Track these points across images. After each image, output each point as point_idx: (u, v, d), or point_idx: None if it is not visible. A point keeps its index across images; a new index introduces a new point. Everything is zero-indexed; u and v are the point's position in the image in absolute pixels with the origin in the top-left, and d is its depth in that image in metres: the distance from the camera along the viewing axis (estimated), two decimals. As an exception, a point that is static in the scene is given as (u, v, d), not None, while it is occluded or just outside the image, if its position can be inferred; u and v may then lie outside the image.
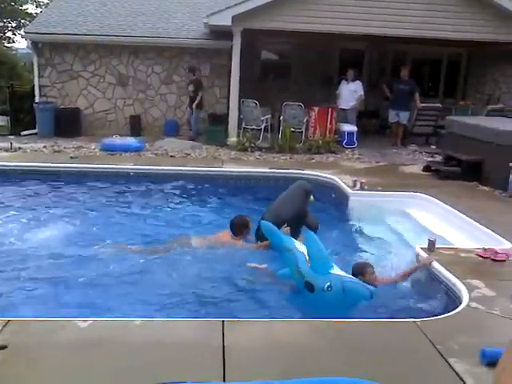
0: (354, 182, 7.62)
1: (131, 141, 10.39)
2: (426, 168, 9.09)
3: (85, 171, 8.32)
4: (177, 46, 11.98)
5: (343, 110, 11.73)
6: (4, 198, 7.37)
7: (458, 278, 4.26)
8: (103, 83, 12.19)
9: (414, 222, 6.66)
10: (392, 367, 3.03)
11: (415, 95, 11.64)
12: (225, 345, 3.11)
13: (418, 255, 4.95)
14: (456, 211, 6.48)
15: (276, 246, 5.24)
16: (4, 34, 26.36)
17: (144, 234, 6.17)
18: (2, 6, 24.73)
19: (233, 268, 5.07)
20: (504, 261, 4.76)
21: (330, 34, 10.93)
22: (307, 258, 4.48)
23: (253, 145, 10.55)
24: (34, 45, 11.81)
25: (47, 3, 22.78)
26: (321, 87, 13.37)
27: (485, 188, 7.99)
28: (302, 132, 11.22)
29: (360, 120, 12.25)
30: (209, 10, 11.42)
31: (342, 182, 7.82)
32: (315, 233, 5.49)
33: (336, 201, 7.59)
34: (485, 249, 4.96)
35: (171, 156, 9.74)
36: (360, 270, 4.58)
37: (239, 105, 11.17)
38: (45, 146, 10.17)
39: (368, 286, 4.21)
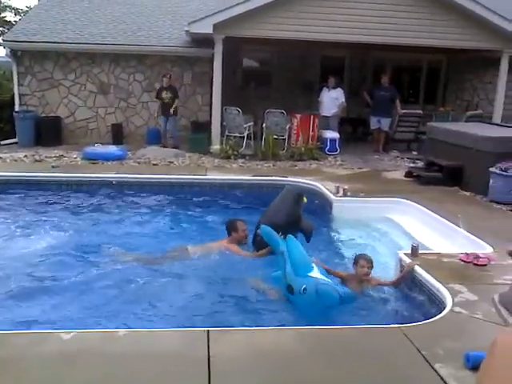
0: (337, 189, 7.66)
1: (113, 149, 10.31)
2: (408, 174, 9.18)
3: (66, 180, 8.23)
4: (158, 53, 11.95)
5: (325, 117, 11.81)
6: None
7: (441, 282, 4.30)
8: (84, 91, 12.09)
9: (396, 228, 6.72)
10: (377, 373, 3.04)
11: (396, 102, 11.78)
12: (210, 355, 3.08)
13: (401, 260, 4.98)
14: (438, 216, 6.55)
15: (274, 249, 5.28)
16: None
17: (128, 242, 6.11)
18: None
19: (228, 276, 5.08)
20: (485, 265, 4.82)
21: (311, 41, 11.01)
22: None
23: (236, 152, 10.55)
24: (13, 53, 11.67)
25: (26, 11, 22.56)
26: (302, 94, 13.46)
27: (466, 193, 8.09)
28: (284, 139, 11.25)
29: (348, 127, 12.42)
30: (190, 17, 11.42)
31: (325, 188, 7.85)
32: (310, 236, 5.71)
33: (319, 207, 7.62)
34: (467, 253, 5.02)
35: (154, 164, 9.69)
36: (355, 260, 4.81)
37: (222, 112, 11.17)
38: (25, 156, 10.04)
39: (341, 290, 4.26)
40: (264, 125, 11.32)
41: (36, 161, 9.72)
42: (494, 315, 3.59)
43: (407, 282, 4.70)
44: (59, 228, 6.58)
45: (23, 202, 7.65)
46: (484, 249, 5.27)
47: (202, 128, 11.71)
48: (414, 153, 11.57)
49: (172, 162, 9.87)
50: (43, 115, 11.91)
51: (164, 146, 11.24)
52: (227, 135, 11.33)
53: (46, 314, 4.23)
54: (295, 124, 11.37)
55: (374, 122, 11.87)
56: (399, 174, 9.36)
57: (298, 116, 11.35)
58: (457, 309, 3.87)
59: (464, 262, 4.90)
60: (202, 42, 11.34)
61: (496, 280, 4.51)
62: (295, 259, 4.52)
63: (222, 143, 11.00)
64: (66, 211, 7.37)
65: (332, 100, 11.75)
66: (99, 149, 10.24)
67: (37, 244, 5.94)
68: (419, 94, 15.09)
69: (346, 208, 7.15)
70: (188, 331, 3.57)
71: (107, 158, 9.77)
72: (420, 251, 5.05)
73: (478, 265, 4.82)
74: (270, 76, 14.15)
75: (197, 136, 11.37)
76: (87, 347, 3.20)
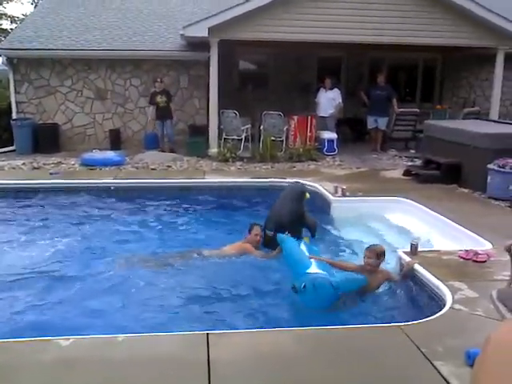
0: (336, 189, 7.66)
1: (111, 155, 10.31)
2: (406, 172, 9.18)
3: (65, 187, 8.22)
4: (154, 58, 11.96)
5: (322, 117, 11.81)
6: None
7: (440, 280, 4.30)
8: (81, 98, 12.09)
9: (395, 226, 6.71)
10: (377, 372, 3.03)
11: (393, 101, 11.78)
12: (210, 358, 3.08)
13: (400, 259, 4.98)
14: (437, 214, 6.55)
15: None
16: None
17: (127, 246, 6.12)
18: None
19: (239, 279, 5.11)
20: (485, 261, 4.81)
21: (307, 42, 11.02)
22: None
23: (234, 155, 10.55)
24: (9, 61, 11.68)
25: (22, 19, 22.59)
26: (299, 95, 13.46)
27: (464, 190, 8.09)
28: (282, 141, 11.26)
29: (345, 127, 12.45)
30: (185, 21, 11.42)
31: (324, 188, 7.85)
32: (315, 230, 5.96)
33: (318, 207, 7.61)
34: (466, 250, 5.01)
35: (152, 169, 9.68)
36: (366, 249, 4.78)
37: (219, 115, 11.17)
38: (24, 163, 10.03)
39: (333, 279, 4.35)
40: (261, 127, 11.32)
41: (34, 168, 9.71)
42: (494, 312, 3.58)
43: (407, 280, 4.70)
44: (59, 234, 6.55)
45: (22, 209, 7.64)
46: (483, 245, 5.27)
47: (199, 132, 11.71)
48: (412, 151, 11.57)
49: (170, 167, 9.87)
50: (41, 122, 11.91)
51: (162, 151, 11.24)
52: (225, 138, 11.33)
53: (45, 320, 4.22)
54: (293, 125, 11.37)
55: (371, 122, 11.88)
56: (397, 173, 9.36)
57: (296, 117, 11.35)
58: (457, 306, 3.87)
59: (463, 259, 4.89)
60: (198, 45, 11.34)
61: (496, 276, 4.50)
62: (292, 259, 4.66)
63: (219, 146, 11.00)
64: (65, 218, 7.35)
65: (329, 101, 11.76)
66: (97, 155, 10.24)
67: (37, 251, 5.93)
68: (416, 92, 15.09)
69: (345, 208, 7.15)
70: (187, 335, 3.56)
71: (105, 163, 9.77)
72: (419, 249, 5.05)
73: (477, 261, 4.82)
74: (266, 78, 14.15)
75: (194, 140, 11.37)
76: (86, 353, 3.19)
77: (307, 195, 6.20)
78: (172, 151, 11.16)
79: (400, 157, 11.14)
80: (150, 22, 13.42)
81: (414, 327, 3.56)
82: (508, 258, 3.30)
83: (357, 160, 10.74)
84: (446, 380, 2.88)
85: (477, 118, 11.02)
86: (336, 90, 11.88)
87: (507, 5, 12.50)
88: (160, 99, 11.20)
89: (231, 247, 5.82)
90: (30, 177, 8.73)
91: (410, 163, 10.21)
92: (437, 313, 3.82)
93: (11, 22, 26.31)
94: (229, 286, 4.91)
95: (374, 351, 3.29)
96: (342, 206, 7.20)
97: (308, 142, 11.13)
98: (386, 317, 4.11)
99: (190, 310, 4.46)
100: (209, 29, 10.18)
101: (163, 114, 11.26)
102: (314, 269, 4.53)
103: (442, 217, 6.42)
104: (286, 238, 5.36)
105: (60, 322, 4.19)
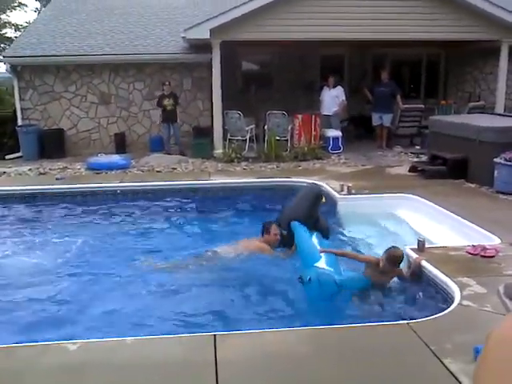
0: (341, 187, 7.63)
1: (117, 158, 10.35)
2: (412, 168, 9.13)
3: (71, 192, 8.25)
4: (157, 61, 11.99)
5: (326, 115, 11.79)
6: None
7: (448, 276, 4.27)
8: (85, 103, 12.14)
9: (402, 223, 6.68)
10: (386, 371, 3.01)
11: (397, 97, 11.73)
12: (217, 359, 3.07)
13: (407, 256, 4.94)
14: (444, 210, 6.51)
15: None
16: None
17: (137, 250, 6.13)
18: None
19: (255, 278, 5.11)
20: (493, 256, 4.77)
21: (309, 41, 11.00)
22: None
23: (239, 155, 10.55)
24: (13, 68, 11.75)
25: (26, 27, 22.72)
26: (303, 94, 13.44)
27: (471, 185, 8.03)
28: (287, 140, 11.24)
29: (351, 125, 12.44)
30: (187, 24, 11.43)
31: (330, 187, 7.82)
32: (328, 234, 5.90)
33: (324, 206, 7.58)
34: (474, 246, 4.97)
35: (158, 171, 9.71)
36: (385, 251, 4.65)
37: (223, 116, 11.17)
38: (30, 169, 10.09)
39: (337, 278, 4.39)
40: (266, 126, 11.31)
41: (40, 174, 9.77)
42: (503, 307, 3.55)
43: (416, 278, 4.67)
44: (68, 239, 6.58)
45: (30, 215, 7.68)
46: (491, 240, 5.23)
47: (204, 133, 11.72)
48: (418, 147, 11.51)
49: (175, 169, 9.89)
50: (46, 128, 11.98)
51: (167, 153, 11.25)
52: (229, 139, 11.34)
53: (53, 324, 4.23)
54: (297, 124, 11.35)
55: (375, 119, 11.84)
56: (403, 170, 9.31)
57: (300, 116, 11.33)
58: (465, 302, 3.84)
59: (471, 254, 4.85)
60: (200, 47, 11.35)
61: (504, 271, 4.47)
62: (302, 251, 4.78)
63: (224, 147, 11.00)
64: (72, 222, 7.39)
65: (332, 99, 11.73)
66: (102, 159, 10.28)
67: (45, 256, 5.96)
68: (420, 88, 15.01)
69: (351, 206, 7.12)
70: (194, 336, 3.55)
71: (111, 167, 9.80)
72: (426, 245, 5.02)
73: (485, 256, 4.78)
74: (270, 78, 14.13)
75: (199, 141, 11.38)
76: (94, 356, 3.20)
77: (323, 199, 6.18)
78: (182, 154, 11.16)
79: (405, 153, 11.09)
80: (151, 26, 13.46)
81: (422, 324, 3.53)
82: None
83: (362, 157, 10.70)
84: (455, 377, 2.86)
85: (482, 112, 10.94)
86: (339, 87, 11.85)
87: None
88: (167, 102, 11.25)
89: (247, 243, 5.77)
90: (37, 182, 8.77)
91: (415, 159, 10.15)
92: (445, 309, 3.79)
93: (15, 30, 26.50)
94: (245, 285, 4.95)
95: (381, 349, 3.26)
96: (348, 204, 7.17)
97: (313, 141, 11.11)
98: (394, 314, 4.09)
99: (203, 312, 4.44)
100: (210, 30, 10.19)
101: (170, 116, 11.31)
102: (322, 263, 4.59)
103: (449, 212, 6.37)
104: (298, 227, 5.38)
105: (67, 325, 4.20)
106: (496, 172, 7.51)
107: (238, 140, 11.27)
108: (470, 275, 4.33)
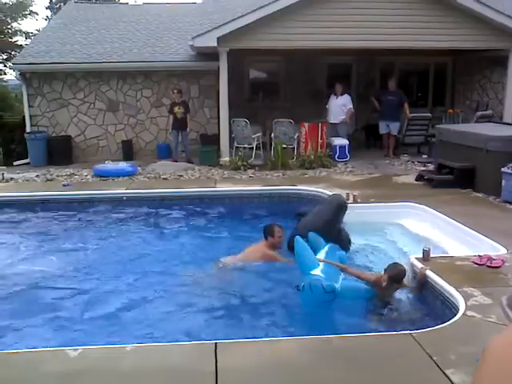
0: (347, 195, 7.59)
1: (124, 165, 10.38)
2: (419, 177, 9.08)
3: (78, 198, 8.28)
4: (164, 69, 12.06)
5: (333, 124, 11.78)
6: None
7: (453, 286, 4.22)
8: (93, 110, 12.23)
9: (408, 233, 6.63)
10: (388, 381, 2.97)
11: (404, 105, 11.70)
12: (218, 367, 3.05)
13: (412, 265, 4.90)
14: (450, 219, 6.45)
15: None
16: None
17: (147, 258, 6.13)
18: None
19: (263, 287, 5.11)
20: (499, 267, 4.72)
21: (316, 49, 11.01)
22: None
23: (245, 163, 10.55)
24: (23, 75, 11.88)
25: (36, 34, 22.96)
26: (311, 103, 13.43)
27: (478, 194, 7.97)
28: (293, 148, 11.24)
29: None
30: (194, 32, 11.50)
31: (335, 195, 7.78)
32: (348, 247, 5.77)
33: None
34: (480, 256, 4.92)
35: (164, 179, 9.72)
36: (387, 268, 4.62)
37: (230, 124, 11.20)
38: (37, 175, 10.15)
39: (326, 285, 4.35)
40: (272, 135, 11.32)
41: (47, 180, 9.82)
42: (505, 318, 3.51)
43: (422, 290, 4.61)
44: (73, 245, 6.62)
45: (37, 220, 7.72)
46: (498, 250, 5.18)
47: (210, 141, 11.75)
48: (425, 156, 11.46)
49: (182, 176, 9.90)
50: (54, 135, 12.07)
51: (175, 161, 11.27)
52: (236, 147, 11.35)
53: (54, 332, 4.23)
54: (304, 132, 11.35)
55: (382, 127, 11.82)
56: (410, 178, 9.27)
57: (306, 124, 11.32)
58: (470, 313, 3.79)
59: (477, 264, 4.80)
60: (208, 55, 11.41)
61: (511, 282, 4.42)
62: (300, 259, 4.76)
63: (231, 155, 11.01)
64: (78, 228, 7.42)
65: (339, 107, 11.72)
66: (110, 166, 10.31)
67: (49, 262, 5.99)
68: (427, 96, 14.97)
69: (357, 214, 7.05)
70: (196, 344, 3.54)
71: (118, 174, 9.84)
72: (432, 255, 4.97)
73: (491, 267, 4.73)
74: (277, 86, 14.16)
75: (206, 149, 11.40)
76: (95, 364, 3.18)
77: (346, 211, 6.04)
78: (189, 161, 11.17)
79: (412, 162, 11.04)
80: (159, 34, 13.56)
81: (425, 334, 3.49)
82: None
83: (369, 166, 10.67)
84: (457, 389, 2.82)
85: (490, 121, 10.88)
86: (346, 95, 11.84)
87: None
88: (178, 109, 11.29)
89: (253, 251, 5.72)
90: (43, 188, 8.81)
91: (422, 168, 10.10)
92: (449, 320, 3.74)
93: (26, 38, 26.79)
94: (252, 293, 4.95)
95: (385, 359, 3.23)
96: (354, 213, 7.12)
97: (319, 149, 11.09)
98: (398, 324, 4.04)
99: (206, 322, 4.43)
100: (218, 38, 10.24)
101: (180, 124, 11.34)
102: (317, 271, 4.55)
103: (455, 222, 6.32)
104: (297, 240, 5.26)
105: (68, 333, 4.20)
106: (503, 182, 7.45)
107: (244, 148, 11.28)
108: (476, 285, 4.28)
